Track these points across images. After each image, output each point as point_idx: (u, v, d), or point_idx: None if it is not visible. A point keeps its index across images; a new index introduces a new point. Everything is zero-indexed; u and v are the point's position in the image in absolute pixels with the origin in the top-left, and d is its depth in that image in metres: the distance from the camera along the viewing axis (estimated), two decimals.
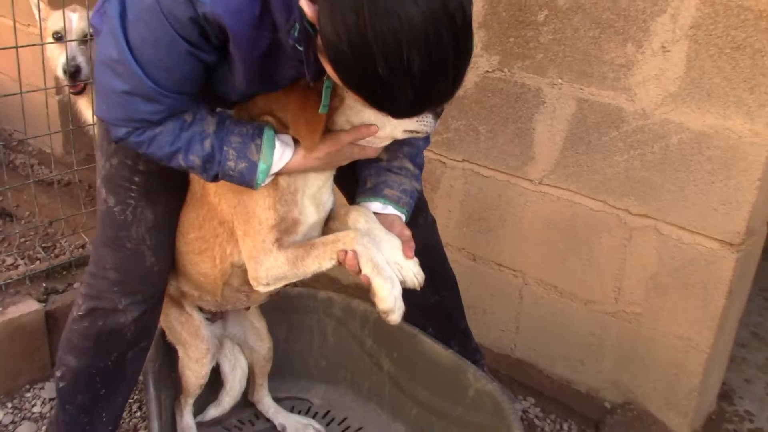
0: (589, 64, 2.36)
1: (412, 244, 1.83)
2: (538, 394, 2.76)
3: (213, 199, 1.89)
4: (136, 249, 1.96)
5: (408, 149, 1.98)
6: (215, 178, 1.72)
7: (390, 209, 1.91)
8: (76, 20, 2.95)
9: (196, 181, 1.94)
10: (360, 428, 2.57)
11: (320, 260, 1.77)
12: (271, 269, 1.81)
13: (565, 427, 2.66)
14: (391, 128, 1.70)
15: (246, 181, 1.71)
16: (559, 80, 2.42)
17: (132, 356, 2.14)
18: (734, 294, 2.34)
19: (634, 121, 2.33)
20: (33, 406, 2.71)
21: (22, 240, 3.40)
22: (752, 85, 2.08)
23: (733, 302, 2.37)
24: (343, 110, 1.68)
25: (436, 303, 2.38)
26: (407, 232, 1.88)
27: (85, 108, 3.24)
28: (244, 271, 1.91)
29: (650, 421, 2.55)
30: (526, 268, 2.72)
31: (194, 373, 2.27)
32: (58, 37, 2.93)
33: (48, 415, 2.66)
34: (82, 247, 3.37)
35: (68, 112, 3.33)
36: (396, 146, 1.94)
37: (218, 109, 1.77)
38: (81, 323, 2.07)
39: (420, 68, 1.27)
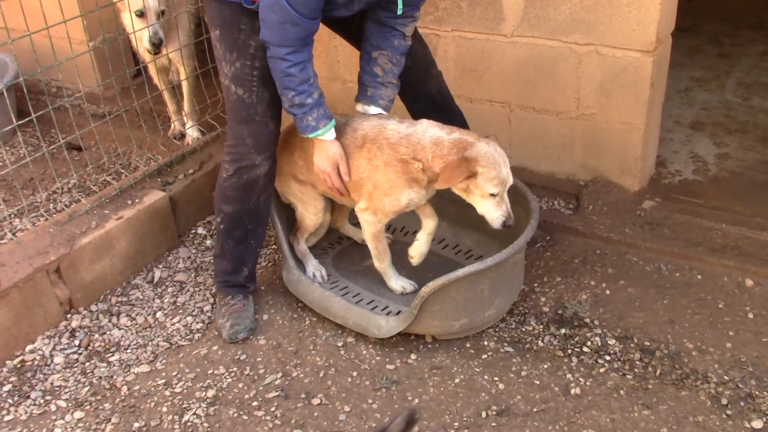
0: None
1: None
2: (532, 186, 3.33)
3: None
4: (263, 119, 2.77)
5: (396, 69, 2.88)
6: (291, 114, 2.69)
7: (380, 111, 2.89)
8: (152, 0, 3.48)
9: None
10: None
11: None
12: (368, 223, 2.96)
13: (556, 203, 3.56)
14: None
15: (304, 130, 2.72)
16: None
17: (264, 199, 2.94)
18: (655, 86, 3.28)
19: None
20: (177, 263, 3.50)
21: (101, 162, 3.92)
22: None
23: (655, 92, 3.30)
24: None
25: None
26: None
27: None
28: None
29: (612, 186, 3.49)
30: (510, 99, 3.57)
31: (312, 221, 3.17)
32: (140, 14, 3.48)
33: (191, 267, 3.47)
34: (151, 159, 3.99)
35: (105, 57, 3.75)
36: (389, 67, 2.84)
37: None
38: (230, 180, 2.85)
39: None
